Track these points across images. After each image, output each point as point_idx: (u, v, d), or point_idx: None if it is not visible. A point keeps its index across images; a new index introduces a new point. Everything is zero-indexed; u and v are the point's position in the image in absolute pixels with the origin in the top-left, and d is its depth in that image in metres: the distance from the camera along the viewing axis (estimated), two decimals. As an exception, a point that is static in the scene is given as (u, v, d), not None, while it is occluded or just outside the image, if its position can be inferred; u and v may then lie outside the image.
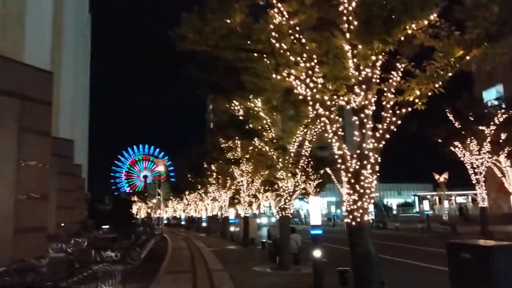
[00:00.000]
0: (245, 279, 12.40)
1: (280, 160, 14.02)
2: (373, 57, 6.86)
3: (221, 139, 22.56)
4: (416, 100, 6.92)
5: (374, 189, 7.40)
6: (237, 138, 15.89)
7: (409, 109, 6.98)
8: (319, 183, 51.26)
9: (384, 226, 35.12)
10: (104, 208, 74.45)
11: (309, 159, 15.65)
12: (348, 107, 7.36)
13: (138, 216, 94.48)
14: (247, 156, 22.17)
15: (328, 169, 47.13)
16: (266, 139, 14.16)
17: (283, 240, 14.49)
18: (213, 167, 29.92)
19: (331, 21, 8.23)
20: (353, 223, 7.15)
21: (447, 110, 25.27)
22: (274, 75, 7.64)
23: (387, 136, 7.08)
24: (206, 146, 28.26)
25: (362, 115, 7.03)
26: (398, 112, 6.99)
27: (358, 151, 7.12)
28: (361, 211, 7.12)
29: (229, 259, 17.97)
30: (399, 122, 6.99)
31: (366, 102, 6.99)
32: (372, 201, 7.39)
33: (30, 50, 12.87)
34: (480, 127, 23.71)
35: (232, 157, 22.77)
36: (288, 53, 7.39)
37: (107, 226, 40.85)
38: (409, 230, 32.64)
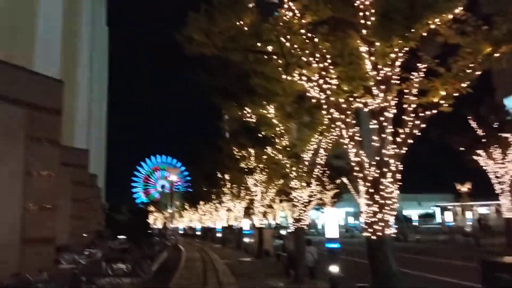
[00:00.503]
0: (257, 294, 11.78)
1: (294, 169, 13.42)
2: (393, 55, 6.28)
3: (234, 147, 22.08)
4: (441, 102, 6.29)
5: (395, 200, 6.76)
6: (249, 146, 15.33)
7: (434, 111, 6.35)
8: (336, 193, 50.26)
9: (404, 238, 33.90)
10: (121, 218, 74.58)
11: (325, 168, 15.01)
12: (365, 110, 6.78)
13: (155, 226, 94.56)
14: (261, 165, 21.64)
15: (344, 179, 46.30)
16: (279, 147, 13.59)
17: (298, 253, 13.83)
18: (226, 177, 29.43)
19: (345, 20, 7.71)
20: (373, 237, 6.52)
21: (469, 117, 24.25)
22: (284, 76, 7.12)
23: (410, 141, 6.46)
24: (221, 155, 27.82)
25: (382, 118, 6.44)
26: (421, 114, 6.37)
27: (377, 158, 6.52)
28: (381, 224, 6.50)
29: (242, 272, 17.36)
30: (422, 125, 6.37)
31: (386, 104, 6.40)
32: (394, 212, 6.75)
33: (40, 59, 12.72)
34: (504, 135, 22.59)
35: (245, 167, 22.24)
36: (299, 52, 6.87)
37: (123, 236, 40.69)
38: (431, 242, 31.40)
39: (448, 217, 30.87)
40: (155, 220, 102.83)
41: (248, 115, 14.14)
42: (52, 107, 13.53)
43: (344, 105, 6.80)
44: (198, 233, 66.80)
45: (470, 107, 23.34)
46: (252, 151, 21.48)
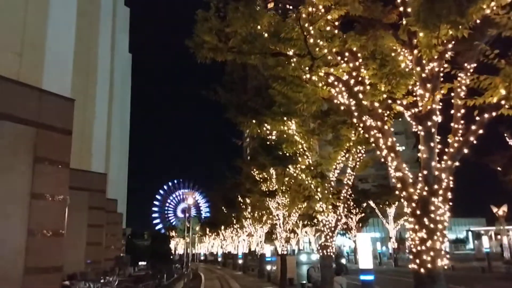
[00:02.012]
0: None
1: (319, 190, 12.23)
2: (440, 47, 5.19)
3: (254, 169, 21.05)
4: (502, 102, 5.12)
5: (447, 224, 5.53)
6: (269, 166, 14.23)
7: (493, 114, 5.18)
8: (361, 218, 48.23)
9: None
10: (142, 244, 73.93)
11: (351, 190, 13.78)
12: (407, 114, 5.66)
13: (177, 252, 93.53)
14: (283, 187, 20.49)
15: (371, 202, 44.40)
16: (302, 166, 12.47)
17: (324, 283, 12.43)
18: (247, 200, 28.29)
19: (376, 19, 6.72)
20: (422, 269, 5.28)
21: (505, 134, 22.55)
22: (308, 76, 6.11)
23: (465, 151, 5.28)
24: (241, 178, 26.78)
25: (429, 123, 5.31)
26: (478, 118, 5.21)
27: (425, 172, 5.34)
28: (432, 253, 5.27)
29: (264, 303, 15.98)
30: (480, 131, 5.20)
31: (434, 106, 5.27)
32: (446, 239, 5.51)
33: (49, 76, 12.11)
34: (548, 152, 20.75)
35: (267, 189, 21.12)
36: (325, 49, 5.87)
37: (144, 263, 39.71)
38: (467, 270, 29.07)
39: (485, 242, 28.57)
40: (176, 245, 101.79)
41: (268, 132, 13.14)
42: (62, 127, 12.85)
43: (380, 110, 5.71)
44: (219, 259, 65.27)
45: (507, 124, 21.73)
46: (273, 172, 20.41)
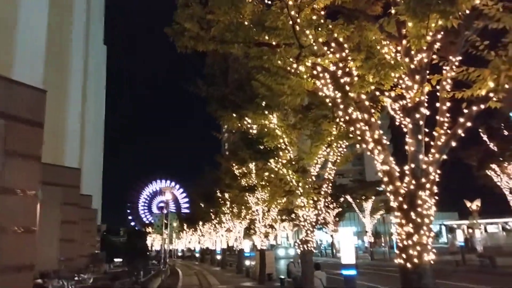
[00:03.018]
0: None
1: (300, 184, 12.11)
2: (429, 37, 5.09)
3: (234, 164, 20.81)
4: (491, 95, 5.07)
5: (432, 218, 5.46)
6: (250, 160, 14.00)
7: (482, 106, 5.12)
8: (339, 212, 48.71)
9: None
10: (118, 240, 72.61)
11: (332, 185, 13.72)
12: (392, 107, 5.55)
13: (154, 248, 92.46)
14: (263, 182, 20.34)
15: (348, 197, 44.84)
16: (283, 161, 12.32)
17: (305, 279, 12.35)
18: (226, 196, 28.04)
19: (360, 10, 6.59)
20: (408, 264, 5.20)
21: (480, 130, 23.10)
22: (295, 66, 5.91)
23: (453, 144, 5.21)
24: (220, 173, 26.50)
25: (417, 116, 5.21)
26: (466, 111, 5.14)
27: (413, 165, 5.25)
28: (418, 248, 5.19)
29: (243, 299, 15.84)
30: (468, 124, 5.13)
31: (422, 98, 5.17)
32: (432, 234, 5.44)
33: (20, 66, 11.48)
34: (520, 147, 21.37)
35: (246, 184, 20.92)
36: (312, 40, 5.69)
37: (120, 260, 38.90)
38: (440, 263, 29.68)
39: (460, 236, 29.25)
40: (153, 241, 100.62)
41: (249, 126, 12.93)
42: (33, 119, 12.24)
43: (367, 102, 5.58)
44: (197, 255, 64.84)
45: (482, 119, 22.23)
46: (252, 167, 20.23)
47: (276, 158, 12.39)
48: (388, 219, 53.45)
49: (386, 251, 46.48)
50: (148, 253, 58.36)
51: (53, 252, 23.03)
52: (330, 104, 9.71)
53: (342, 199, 45.30)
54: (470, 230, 46.36)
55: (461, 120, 5.12)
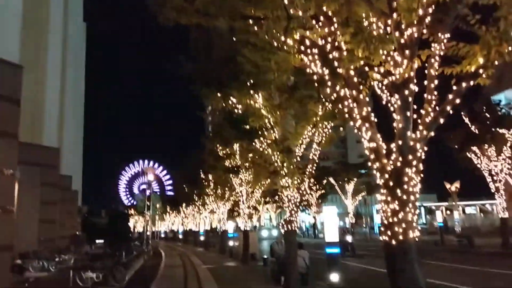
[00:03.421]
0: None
1: (285, 165, 12.04)
2: (420, 11, 4.96)
3: (218, 145, 20.64)
4: (480, 71, 5.00)
5: (418, 196, 5.44)
6: (234, 141, 13.84)
7: (471, 83, 5.05)
8: (321, 194, 49.32)
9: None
10: (100, 222, 72.07)
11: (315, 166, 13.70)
12: (382, 83, 5.44)
13: (136, 230, 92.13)
14: (247, 164, 20.27)
15: (331, 179, 45.37)
16: (268, 141, 12.20)
17: (289, 258, 12.39)
18: (210, 177, 27.93)
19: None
20: (393, 241, 5.19)
21: (462, 113, 23.37)
22: (283, 39, 5.72)
23: (441, 120, 5.15)
24: (204, 154, 26.30)
25: (406, 92, 5.11)
26: (455, 87, 5.07)
27: (400, 142, 5.18)
28: (404, 225, 5.17)
29: (227, 278, 15.91)
30: (457, 101, 5.06)
31: (411, 73, 5.07)
32: (417, 211, 5.43)
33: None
34: (501, 131, 21.72)
35: (230, 165, 20.82)
36: (299, 11, 5.50)
37: (101, 241, 38.66)
38: (421, 243, 30.45)
39: (439, 217, 29.96)
40: (136, 223, 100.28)
41: (234, 105, 12.71)
42: (8, 95, 11.81)
43: (356, 78, 5.45)
44: (180, 236, 65.00)
45: (464, 102, 22.46)
46: (237, 148, 20.11)
47: (261, 138, 12.27)
48: (369, 201, 54.46)
49: (367, 232, 47.48)
50: (130, 235, 58.25)
51: (33, 232, 22.69)
52: (316, 83, 9.60)
53: (325, 181, 45.79)
54: (449, 212, 47.68)
55: (450, 96, 5.05)
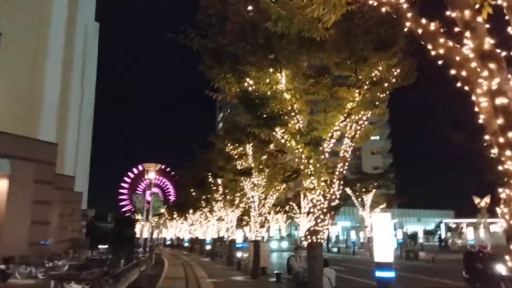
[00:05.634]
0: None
1: (311, 161, 9.75)
2: None
3: (228, 144, 18.46)
4: None
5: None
6: (250, 127, 11.32)
7: None
8: (336, 205, 46.65)
9: (415, 257, 30.21)
10: (105, 227, 70.23)
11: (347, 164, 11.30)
12: None
13: (142, 236, 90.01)
14: (260, 166, 18.05)
15: (348, 190, 42.63)
16: (292, 130, 9.93)
17: (313, 277, 10.01)
18: (219, 181, 25.67)
19: None
20: None
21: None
22: None
23: None
24: (213, 155, 24.07)
25: None
26: None
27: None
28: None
29: (234, 297, 13.58)
30: None
31: None
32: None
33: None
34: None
35: (241, 167, 18.60)
36: None
37: (105, 246, 36.71)
38: (449, 262, 27.64)
39: (470, 234, 27.18)
40: (142, 229, 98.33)
41: (250, 88, 10.49)
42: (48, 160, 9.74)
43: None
44: (186, 244, 62.70)
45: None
46: (249, 148, 17.94)
47: (283, 126, 9.99)
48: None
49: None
50: (135, 240, 56.16)
51: (22, 235, 20.61)
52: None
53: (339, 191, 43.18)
54: (471, 229, 44.64)
55: None
